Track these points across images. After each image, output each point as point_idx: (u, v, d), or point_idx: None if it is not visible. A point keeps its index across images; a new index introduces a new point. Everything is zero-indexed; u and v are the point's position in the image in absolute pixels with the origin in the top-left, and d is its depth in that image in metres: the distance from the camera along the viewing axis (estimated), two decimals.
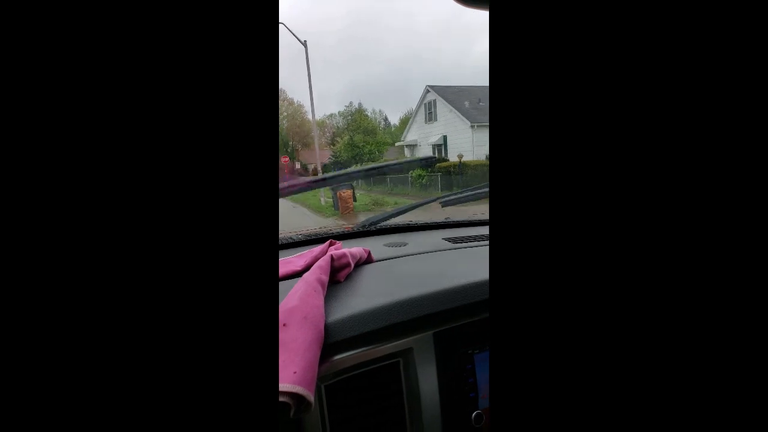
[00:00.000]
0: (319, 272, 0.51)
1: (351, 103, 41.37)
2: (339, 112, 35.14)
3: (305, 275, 0.51)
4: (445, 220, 1.07)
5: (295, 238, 0.88)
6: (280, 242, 0.85)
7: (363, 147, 22.18)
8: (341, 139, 24.44)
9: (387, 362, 0.47)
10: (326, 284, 0.52)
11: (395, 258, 0.71)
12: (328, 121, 34.07)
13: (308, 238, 0.88)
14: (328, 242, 0.71)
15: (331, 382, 0.44)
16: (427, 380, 0.48)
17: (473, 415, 0.51)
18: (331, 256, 0.57)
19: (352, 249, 0.64)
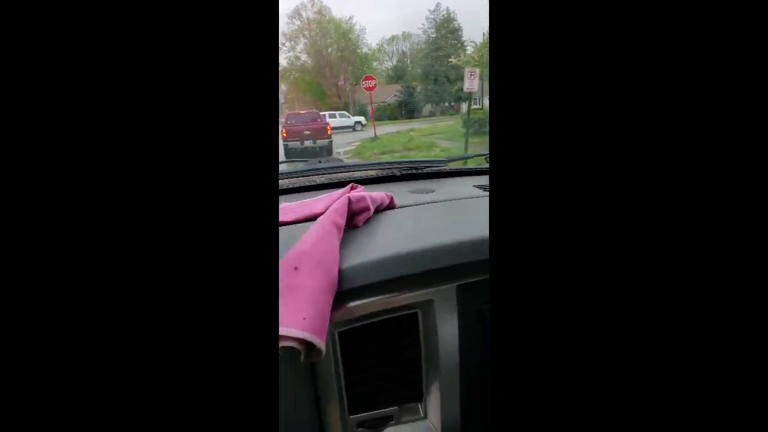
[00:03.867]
0: (334, 215, 0.49)
1: (438, 5, 24.30)
2: (404, 33, 27.21)
3: (320, 218, 0.48)
4: (478, 166, 0.98)
5: (317, 180, 0.85)
6: (299, 185, 0.83)
7: None
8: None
9: (404, 312, 0.45)
10: (342, 228, 0.49)
11: (420, 205, 0.66)
12: (387, 47, 27.52)
13: (330, 181, 0.85)
14: (349, 186, 0.68)
15: (345, 329, 0.43)
16: (447, 335, 0.45)
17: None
18: (349, 198, 0.54)
19: (373, 193, 0.60)
